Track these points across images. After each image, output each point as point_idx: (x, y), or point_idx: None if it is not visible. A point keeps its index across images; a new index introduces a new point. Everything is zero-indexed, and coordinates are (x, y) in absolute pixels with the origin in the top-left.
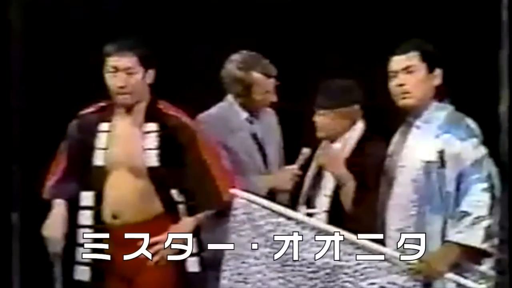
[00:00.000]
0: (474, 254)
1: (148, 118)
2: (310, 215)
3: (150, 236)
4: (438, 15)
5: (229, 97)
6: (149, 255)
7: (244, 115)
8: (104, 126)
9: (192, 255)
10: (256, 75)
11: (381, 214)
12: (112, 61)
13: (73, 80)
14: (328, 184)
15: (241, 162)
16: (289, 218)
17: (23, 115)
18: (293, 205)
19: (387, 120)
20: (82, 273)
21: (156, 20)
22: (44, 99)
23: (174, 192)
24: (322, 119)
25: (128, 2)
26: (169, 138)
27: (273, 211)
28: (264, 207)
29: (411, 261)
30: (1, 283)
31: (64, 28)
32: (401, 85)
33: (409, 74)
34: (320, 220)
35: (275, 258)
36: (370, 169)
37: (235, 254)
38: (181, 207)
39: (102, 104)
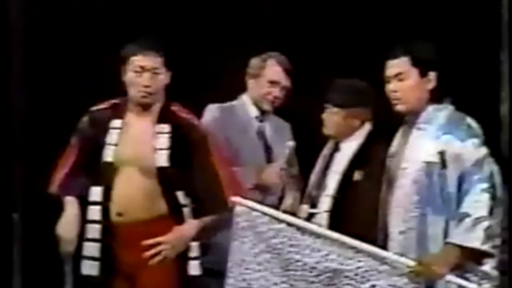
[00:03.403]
0: (475, 255)
1: (162, 119)
2: (312, 214)
3: (153, 236)
4: (439, 15)
5: (243, 96)
6: (151, 255)
7: (254, 112)
8: (116, 123)
9: (194, 258)
10: (271, 61)
11: (384, 216)
12: (138, 60)
13: (75, 77)
14: (331, 184)
15: (243, 158)
16: (289, 224)
17: (25, 114)
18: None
19: (393, 122)
20: (91, 268)
21: (165, 22)
22: (45, 97)
23: (180, 194)
24: (332, 117)
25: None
26: (180, 140)
27: (274, 217)
28: (265, 213)
29: (411, 264)
30: (2, 283)
31: (65, 24)
32: (393, 91)
33: (400, 81)
34: (321, 220)
35: (277, 263)
36: (373, 171)
37: (238, 261)
38: (185, 210)
39: (114, 101)
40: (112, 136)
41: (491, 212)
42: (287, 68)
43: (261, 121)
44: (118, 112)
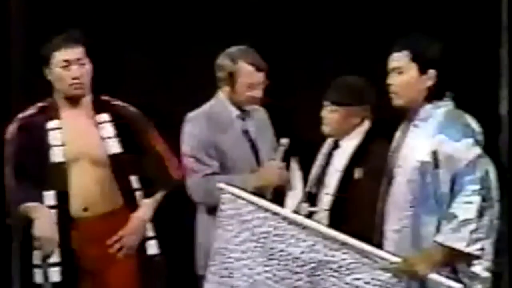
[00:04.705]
0: (461, 256)
1: (98, 110)
2: (311, 213)
3: (115, 228)
4: (438, 14)
5: (220, 95)
6: (117, 250)
7: (236, 112)
8: (53, 123)
9: (150, 238)
10: (242, 64)
11: (381, 213)
12: (63, 54)
13: None
14: (331, 183)
15: (233, 160)
16: (275, 214)
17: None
18: None
19: (392, 119)
20: (52, 275)
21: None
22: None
23: (133, 179)
24: (332, 115)
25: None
26: (124, 126)
27: (259, 206)
28: (250, 202)
29: (395, 260)
30: (2, 283)
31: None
32: (390, 84)
33: (398, 75)
34: (321, 218)
35: (261, 253)
36: (373, 169)
37: (221, 249)
38: (138, 193)
39: (41, 104)
40: (54, 137)
41: (480, 214)
42: (259, 65)
43: (243, 119)
44: (50, 113)
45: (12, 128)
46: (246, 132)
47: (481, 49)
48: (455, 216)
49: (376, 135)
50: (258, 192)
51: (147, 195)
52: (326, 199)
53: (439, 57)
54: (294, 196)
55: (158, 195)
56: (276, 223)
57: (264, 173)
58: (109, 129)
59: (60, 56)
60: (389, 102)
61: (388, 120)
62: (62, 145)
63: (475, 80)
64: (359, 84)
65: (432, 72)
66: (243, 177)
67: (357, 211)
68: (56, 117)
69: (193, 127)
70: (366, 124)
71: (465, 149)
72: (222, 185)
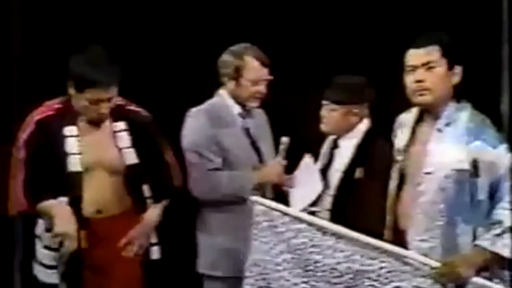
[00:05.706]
0: (502, 262)
1: (115, 118)
2: (313, 213)
3: (125, 227)
4: (439, 14)
5: (221, 92)
6: (129, 251)
7: (237, 109)
8: (70, 130)
9: (154, 244)
10: (248, 58)
11: (393, 213)
12: (97, 94)
13: None
14: (331, 183)
15: (235, 158)
16: (310, 224)
17: (24, 114)
18: None
19: (389, 119)
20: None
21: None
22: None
23: (145, 188)
24: (331, 114)
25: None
26: (140, 134)
27: (294, 217)
28: (285, 213)
29: (435, 265)
30: (2, 284)
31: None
32: (419, 81)
33: (429, 70)
34: (323, 218)
35: (297, 264)
36: (374, 168)
37: (258, 260)
38: (149, 201)
39: (57, 106)
40: (71, 145)
41: None
42: (264, 61)
43: (244, 117)
44: (67, 117)
45: (29, 130)
46: (246, 130)
47: (482, 47)
48: (500, 222)
49: (376, 135)
50: (258, 189)
51: (154, 201)
52: (327, 199)
53: (464, 52)
54: (312, 191)
55: (164, 202)
56: (311, 234)
57: (266, 170)
58: (125, 139)
59: (94, 95)
60: (388, 101)
61: (385, 120)
62: (79, 153)
63: (476, 79)
64: (358, 83)
65: (458, 68)
66: (244, 173)
67: (359, 211)
68: (74, 123)
69: (195, 122)
70: (365, 123)
71: (504, 155)
72: (255, 198)
